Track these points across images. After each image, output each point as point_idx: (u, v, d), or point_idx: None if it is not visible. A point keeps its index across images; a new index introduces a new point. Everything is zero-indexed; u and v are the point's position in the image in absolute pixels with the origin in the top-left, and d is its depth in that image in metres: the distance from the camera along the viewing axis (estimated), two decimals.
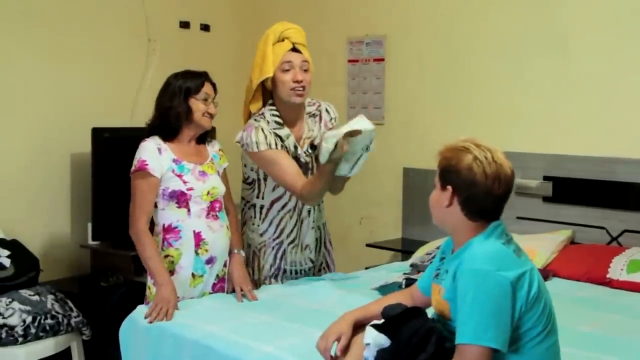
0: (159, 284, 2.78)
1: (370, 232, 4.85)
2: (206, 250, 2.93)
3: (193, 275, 2.93)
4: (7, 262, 3.64)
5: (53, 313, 3.46)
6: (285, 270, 3.21)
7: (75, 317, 3.55)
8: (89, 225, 4.24)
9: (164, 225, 2.92)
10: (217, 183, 3.00)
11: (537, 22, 4.07)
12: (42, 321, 3.39)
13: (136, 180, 2.88)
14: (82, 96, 4.40)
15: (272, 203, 3.13)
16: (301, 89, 2.99)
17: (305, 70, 3.01)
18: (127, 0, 4.64)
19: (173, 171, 2.89)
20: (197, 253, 2.92)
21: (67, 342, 3.54)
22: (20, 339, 3.31)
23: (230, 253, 3.05)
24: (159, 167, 2.87)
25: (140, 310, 2.78)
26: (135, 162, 2.89)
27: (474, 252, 1.87)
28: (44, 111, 4.23)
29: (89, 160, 4.19)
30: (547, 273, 3.44)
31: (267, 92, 3.09)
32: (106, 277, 4.12)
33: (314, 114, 3.17)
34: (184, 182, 2.90)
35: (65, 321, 3.49)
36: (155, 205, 2.92)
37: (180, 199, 2.89)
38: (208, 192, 2.95)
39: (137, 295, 3.17)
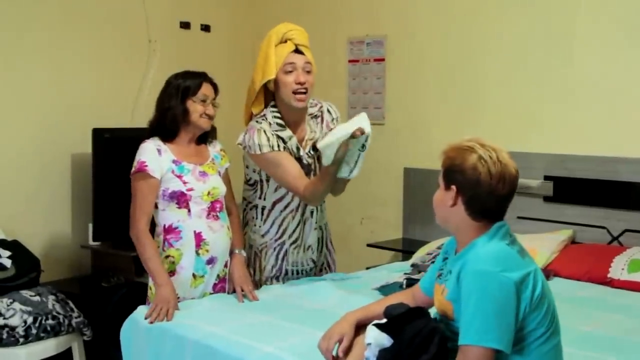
0: (159, 284, 2.79)
1: (371, 232, 4.85)
2: (207, 251, 2.93)
3: (194, 275, 2.93)
4: (8, 263, 3.64)
5: (54, 314, 3.46)
6: (286, 271, 3.21)
7: (76, 318, 3.55)
8: (90, 225, 4.24)
9: (164, 225, 2.92)
10: (218, 183, 3.00)
11: (538, 21, 4.07)
12: (43, 322, 3.39)
13: (136, 181, 2.88)
14: (82, 97, 4.40)
15: (274, 204, 3.13)
16: (304, 91, 2.98)
17: (308, 72, 3.01)
18: (127, 1, 4.64)
19: (173, 172, 2.89)
20: (197, 253, 2.92)
21: (68, 343, 3.54)
22: (21, 340, 3.32)
23: (231, 253, 3.05)
24: (159, 168, 2.87)
25: (141, 310, 2.78)
26: (135, 163, 2.89)
27: (478, 252, 1.87)
28: (44, 112, 4.24)
29: (90, 161, 4.19)
30: (548, 273, 3.43)
31: (269, 93, 3.08)
32: (107, 277, 4.13)
33: (315, 115, 3.17)
34: (184, 183, 2.90)
35: (66, 322, 3.49)
36: (156, 206, 2.92)
37: (181, 199, 2.89)
38: (208, 193, 2.95)
39: (138, 296, 3.17)
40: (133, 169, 2.89)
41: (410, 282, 3.02)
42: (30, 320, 3.35)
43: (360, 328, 2.11)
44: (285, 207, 3.13)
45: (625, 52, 3.77)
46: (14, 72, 4.11)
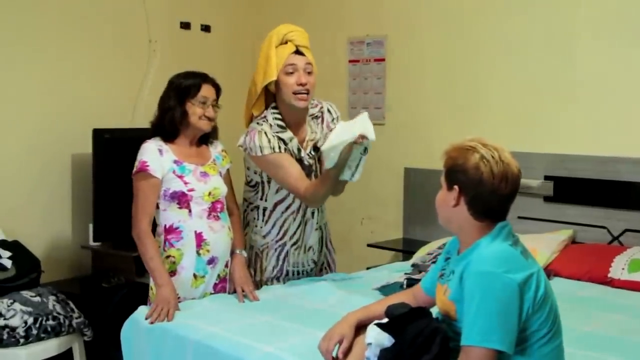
0: (159, 284, 2.79)
1: (371, 232, 4.86)
2: (208, 251, 2.93)
3: (195, 275, 2.93)
4: (8, 264, 3.64)
5: (54, 314, 3.46)
6: (287, 272, 3.21)
7: (76, 318, 3.55)
8: (90, 226, 4.24)
9: (165, 225, 2.92)
10: (219, 184, 3.00)
11: (539, 21, 4.07)
12: (44, 322, 3.39)
13: (138, 181, 2.88)
14: (82, 97, 4.40)
15: (276, 205, 3.13)
16: (305, 92, 2.98)
17: (309, 73, 3.00)
18: (127, 1, 4.64)
19: (174, 172, 2.89)
20: (198, 253, 2.92)
21: (68, 343, 3.54)
22: (21, 340, 3.31)
23: (232, 253, 3.05)
24: (160, 168, 2.87)
25: (142, 311, 2.78)
26: (136, 163, 2.89)
27: (482, 253, 1.87)
28: (44, 112, 4.23)
29: (90, 161, 4.19)
30: (548, 272, 3.43)
31: (270, 94, 3.08)
32: (107, 278, 4.12)
33: (316, 116, 3.17)
34: (185, 183, 2.90)
35: (67, 322, 3.49)
36: (157, 206, 2.92)
37: (182, 199, 2.90)
38: (209, 193, 2.95)
39: (139, 296, 3.17)
40: (134, 169, 2.89)
41: (411, 282, 3.02)
42: (30, 320, 3.35)
43: (360, 328, 2.11)
44: (287, 208, 3.13)
45: (625, 52, 3.77)
46: (14, 72, 4.11)
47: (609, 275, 3.38)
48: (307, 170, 3.07)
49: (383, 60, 4.79)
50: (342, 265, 3.66)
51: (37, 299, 3.46)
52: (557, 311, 1.93)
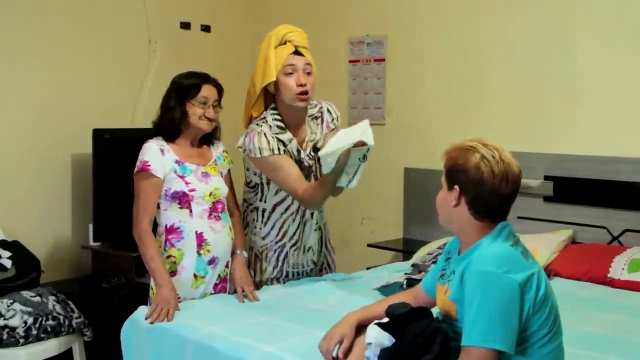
0: (159, 285, 2.79)
1: (371, 232, 4.86)
2: (208, 251, 2.93)
3: (195, 276, 2.93)
4: (8, 264, 3.64)
5: (54, 314, 3.46)
6: (287, 273, 3.20)
7: (76, 318, 3.55)
8: (90, 226, 4.24)
9: (166, 225, 2.92)
10: (220, 184, 3.00)
11: (539, 21, 4.07)
12: (44, 322, 3.39)
13: (139, 181, 2.88)
14: (82, 97, 4.40)
15: (275, 206, 3.13)
16: (305, 93, 2.98)
17: (309, 73, 3.00)
18: (127, 1, 4.65)
19: (175, 172, 2.90)
20: (199, 254, 2.92)
21: (68, 343, 3.54)
22: (21, 340, 3.31)
23: (233, 254, 3.05)
24: (162, 168, 2.88)
25: (142, 311, 2.78)
26: (138, 162, 2.89)
27: (483, 253, 1.87)
28: (44, 112, 4.24)
29: (90, 161, 4.19)
30: (548, 273, 3.43)
31: (269, 95, 3.07)
32: (107, 278, 4.12)
33: (316, 116, 3.16)
34: (186, 183, 2.90)
35: (67, 322, 3.49)
36: (158, 206, 2.92)
37: (182, 199, 2.90)
38: (210, 193, 2.95)
39: (139, 296, 3.17)
40: (136, 169, 2.89)
41: (411, 282, 3.02)
42: (30, 320, 3.35)
43: (361, 328, 2.11)
44: (286, 209, 3.13)
45: (625, 52, 3.78)
46: (14, 72, 4.11)
47: (609, 275, 3.38)
48: (307, 171, 3.07)
49: (383, 60, 4.79)
50: (342, 265, 3.66)
51: (37, 299, 3.46)
52: (558, 311, 1.93)
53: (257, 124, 3.02)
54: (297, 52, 3.00)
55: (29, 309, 3.38)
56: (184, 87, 2.93)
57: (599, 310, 2.96)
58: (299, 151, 3.06)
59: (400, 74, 4.71)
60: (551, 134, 4.05)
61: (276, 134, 3.00)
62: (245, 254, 3.10)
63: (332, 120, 3.19)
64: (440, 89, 4.52)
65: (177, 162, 2.91)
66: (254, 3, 5.40)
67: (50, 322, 3.42)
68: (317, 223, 3.21)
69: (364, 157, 2.76)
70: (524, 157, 3.89)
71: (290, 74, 2.97)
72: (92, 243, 4.28)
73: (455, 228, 1.99)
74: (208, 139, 3.05)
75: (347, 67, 4.98)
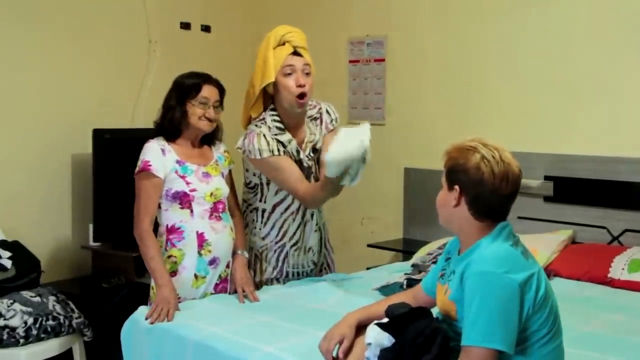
0: (159, 285, 2.79)
1: (371, 232, 4.85)
2: (209, 251, 2.93)
3: (196, 276, 2.93)
4: (8, 264, 3.64)
5: (54, 314, 3.46)
6: (287, 273, 3.20)
7: (76, 319, 3.55)
8: (90, 226, 4.24)
9: (167, 225, 2.92)
10: (221, 184, 3.00)
11: (538, 21, 4.07)
12: (44, 322, 3.39)
13: (140, 181, 2.88)
14: (83, 97, 4.40)
15: (275, 207, 3.13)
16: (304, 93, 2.97)
17: (307, 74, 2.99)
18: (127, 1, 4.64)
19: (176, 172, 2.90)
20: (200, 254, 2.92)
21: (68, 344, 3.54)
22: (21, 341, 3.32)
23: (233, 254, 3.05)
24: (163, 168, 2.88)
25: (142, 311, 2.78)
26: (139, 162, 2.89)
27: (483, 253, 1.88)
28: (45, 112, 4.23)
29: (90, 162, 4.19)
30: (548, 273, 3.43)
31: (268, 96, 3.07)
32: (107, 278, 4.12)
33: (315, 117, 3.16)
34: (187, 184, 2.90)
35: (67, 322, 3.49)
36: (159, 206, 2.92)
37: (183, 199, 2.90)
38: (211, 194, 2.95)
39: (139, 297, 3.17)
40: (137, 169, 2.89)
41: (411, 283, 3.02)
42: (30, 321, 3.35)
43: (361, 329, 2.11)
44: (286, 209, 3.13)
45: (625, 52, 3.77)
46: (13, 72, 4.10)
47: (609, 275, 3.38)
48: (306, 172, 3.07)
49: (383, 60, 4.79)
50: (342, 266, 3.66)
51: (37, 299, 3.46)
52: (557, 311, 1.93)
53: (256, 125, 3.02)
54: (295, 53, 3.00)
55: (29, 309, 3.38)
56: (185, 87, 2.93)
57: (599, 310, 2.96)
58: (298, 152, 3.06)
59: (400, 74, 4.71)
60: (551, 134, 4.05)
61: (275, 135, 3.00)
62: (246, 254, 3.10)
63: (331, 121, 3.19)
64: (440, 89, 4.52)
65: (178, 162, 2.91)
66: (254, 3, 5.40)
67: (51, 322, 3.42)
68: (317, 223, 3.21)
69: (363, 159, 2.75)
70: (524, 157, 3.89)
71: (289, 74, 2.97)
72: (92, 243, 4.28)
73: (456, 228, 1.99)
74: (209, 139, 3.05)
75: (347, 67, 4.98)
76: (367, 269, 3.99)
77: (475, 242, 1.93)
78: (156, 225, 2.94)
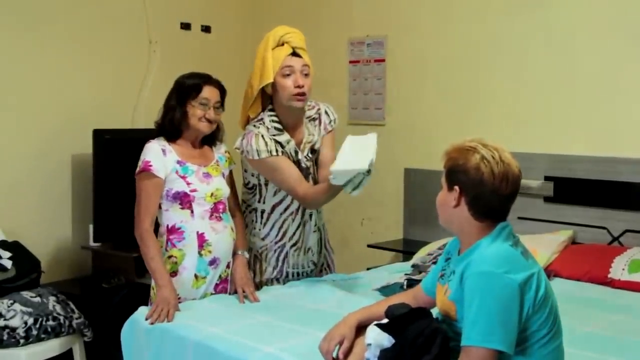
0: (159, 285, 2.79)
1: (371, 232, 4.85)
2: (209, 252, 2.93)
3: (196, 276, 2.93)
4: (8, 264, 3.64)
5: (55, 315, 3.46)
6: (287, 274, 3.20)
7: (76, 319, 3.55)
8: (91, 226, 4.24)
9: (167, 226, 2.92)
10: (221, 185, 3.00)
11: (539, 21, 4.07)
12: (44, 323, 3.39)
13: (141, 181, 2.88)
14: (83, 98, 4.40)
15: (274, 207, 3.12)
16: (302, 94, 2.97)
17: (306, 75, 2.99)
18: (128, 1, 4.65)
19: (177, 172, 2.90)
20: (200, 254, 2.92)
21: (68, 344, 3.54)
22: (21, 341, 3.32)
23: (234, 254, 3.05)
24: (163, 168, 2.88)
25: (142, 311, 2.78)
26: (140, 163, 2.89)
27: (483, 253, 1.88)
28: (45, 113, 4.24)
29: (90, 162, 4.20)
30: (548, 273, 3.43)
31: (266, 96, 3.07)
32: (108, 278, 4.12)
33: (313, 118, 3.16)
34: (188, 184, 2.90)
35: (67, 323, 3.49)
36: (160, 206, 2.92)
37: (184, 200, 2.90)
38: (212, 194, 2.95)
39: (139, 297, 3.17)
40: (138, 169, 2.89)
41: (411, 283, 3.02)
42: (30, 321, 3.35)
43: (361, 329, 2.12)
44: (285, 209, 3.13)
45: (625, 52, 3.77)
46: (14, 73, 4.11)
47: (609, 275, 3.38)
48: (305, 173, 3.07)
49: (383, 60, 4.79)
50: (342, 266, 3.66)
51: (37, 299, 3.47)
52: (557, 312, 1.93)
53: (255, 126, 3.02)
54: (294, 54, 2.99)
55: (30, 310, 3.38)
56: (185, 88, 2.93)
57: (599, 310, 2.96)
58: (296, 152, 3.06)
59: (401, 75, 4.71)
60: (551, 134, 4.05)
61: (274, 135, 3.00)
62: (246, 254, 3.10)
63: (330, 122, 3.19)
64: (440, 90, 4.52)
65: (178, 162, 2.91)
66: (254, 4, 5.40)
67: (51, 322, 3.42)
68: (315, 224, 3.21)
69: (369, 171, 2.75)
70: (524, 157, 3.90)
71: (288, 75, 2.96)
72: (92, 243, 4.28)
73: (456, 228, 1.99)
74: (210, 139, 3.05)
75: (348, 68, 4.98)
76: (367, 269, 3.99)
77: (475, 242, 1.93)
78: (157, 226, 2.94)
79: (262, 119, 3.04)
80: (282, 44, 3.00)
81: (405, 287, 3.02)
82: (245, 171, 3.14)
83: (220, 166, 3.04)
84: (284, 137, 3.02)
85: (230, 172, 3.12)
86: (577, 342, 2.39)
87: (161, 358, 2.65)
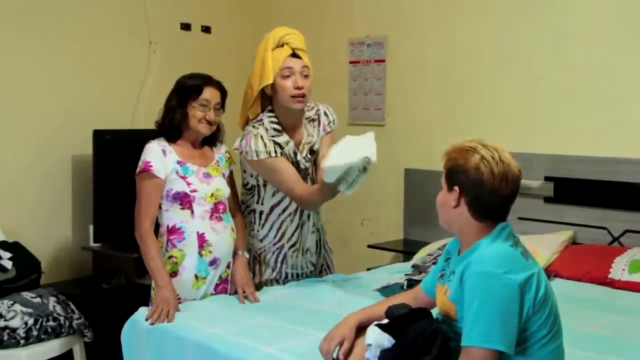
0: (159, 286, 2.79)
1: (371, 233, 4.85)
2: (210, 252, 2.93)
3: (196, 276, 2.93)
4: (8, 265, 3.64)
5: (55, 315, 3.46)
6: (286, 275, 3.20)
7: (77, 319, 3.55)
8: (91, 227, 4.25)
9: (168, 226, 2.92)
10: (222, 185, 3.00)
11: (538, 22, 4.07)
12: (44, 323, 3.39)
13: (141, 181, 2.88)
14: (83, 98, 4.40)
15: (272, 208, 3.12)
16: (302, 95, 2.97)
17: (306, 76, 2.99)
18: (128, 2, 4.65)
19: (177, 173, 2.90)
20: (200, 254, 2.92)
21: (69, 344, 3.54)
22: (22, 341, 3.32)
23: (234, 254, 3.05)
24: (163, 169, 2.88)
25: (142, 312, 2.78)
26: (140, 163, 2.89)
27: (482, 254, 1.88)
28: (45, 113, 4.24)
29: (91, 162, 4.20)
30: (548, 273, 3.43)
31: (265, 97, 3.07)
32: (108, 279, 4.12)
33: (312, 119, 3.16)
34: (188, 184, 2.90)
35: (67, 323, 3.49)
36: (160, 207, 2.92)
37: (184, 200, 2.90)
38: (212, 194, 2.95)
39: (139, 297, 3.17)
40: (138, 169, 2.89)
41: (411, 283, 3.02)
42: (31, 321, 3.35)
43: (361, 330, 2.12)
44: (284, 210, 3.12)
45: (625, 52, 3.77)
46: (14, 74, 4.11)
47: (610, 276, 3.38)
48: (303, 174, 3.07)
49: (383, 61, 4.79)
50: (342, 266, 3.66)
51: (38, 300, 3.47)
52: (558, 312, 1.93)
53: (254, 126, 3.02)
54: (294, 55, 2.99)
55: (30, 310, 3.38)
56: (186, 89, 2.93)
57: (599, 311, 2.96)
58: (295, 153, 3.06)
59: (401, 75, 4.71)
60: (551, 134, 4.05)
61: (273, 136, 2.99)
62: (246, 255, 3.10)
63: (329, 123, 3.19)
64: (440, 90, 4.52)
65: (178, 162, 2.91)
66: (254, 4, 5.40)
67: (51, 323, 3.42)
68: (314, 225, 3.21)
69: (365, 169, 2.75)
70: (525, 157, 3.90)
71: (288, 76, 2.96)
72: (92, 244, 4.28)
73: (456, 229, 1.99)
74: (211, 140, 3.05)
75: (348, 68, 4.98)
76: (368, 269, 3.99)
77: (475, 242, 1.93)
78: (157, 226, 2.94)
79: (261, 119, 3.04)
80: (282, 45, 3.00)
81: (405, 287, 3.02)
82: (244, 172, 3.14)
83: (220, 166, 3.04)
84: (283, 138, 3.02)
85: (231, 172, 3.12)
86: (577, 343, 2.39)
87: (161, 358, 2.65)
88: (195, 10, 5.06)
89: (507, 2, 4.20)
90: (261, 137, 2.96)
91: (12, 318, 3.32)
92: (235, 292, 2.98)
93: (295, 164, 3.04)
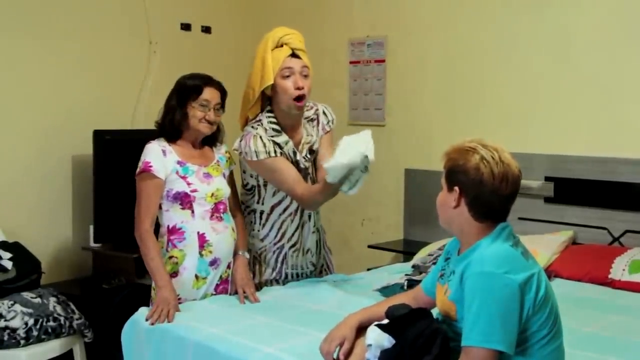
0: (159, 286, 2.79)
1: (372, 233, 4.85)
2: (210, 252, 2.93)
3: (196, 276, 2.93)
4: (9, 265, 3.64)
5: (55, 315, 3.46)
6: (286, 275, 3.20)
7: (77, 320, 3.55)
8: (91, 227, 4.25)
9: (168, 226, 2.92)
10: (222, 185, 3.00)
11: (538, 22, 4.07)
12: (44, 323, 3.39)
13: (141, 181, 2.88)
14: (83, 98, 4.40)
15: (273, 208, 3.12)
16: (302, 96, 2.97)
17: (306, 76, 2.99)
18: (128, 2, 4.65)
19: (177, 173, 2.90)
20: (201, 255, 2.92)
21: (69, 345, 3.54)
22: (22, 342, 3.32)
23: (234, 255, 3.05)
24: (163, 169, 2.88)
25: (142, 312, 2.78)
26: (140, 163, 2.89)
27: (483, 254, 1.88)
28: (45, 113, 4.24)
29: (91, 163, 4.20)
30: (549, 274, 3.43)
31: (265, 97, 3.06)
32: (108, 279, 4.13)
33: (312, 119, 3.16)
34: (188, 184, 2.90)
35: (67, 323, 3.49)
36: (160, 207, 2.92)
37: (184, 200, 2.90)
38: (212, 194, 2.95)
39: (139, 297, 3.17)
40: (138, 169, 2.89)
41: (411, 283, 3.02)
42: (31, 322, 3.35)
43: (361, 330, 2.12)
44: (284, 210, 3.12)
45: (625, 52, 3.78)
46: (14, 74, 4.11)
47: (610, 276, 3.38)
48: (303, 174, 3.06)
49: (383, 61, 4.79)
50: (343, 267, 3.66)
51: (38, 300, 3.47)
52: (558, 312, 1.93)
53: (253, 127, 3.02)
54: (294, 55, 2.99)
55: (30, 310, 3.38)
56: (186, 89, 2.93)
57: (599, 311, 2.96)
58: (294, 153, 3.06)
59: (401, 75, 4.71)
60: (551, 134, 4.05)
61: (272, 136, 2.99)
62: (247, 255, 3.10)
63: (328, 122, 3.19)
64: (440, 90, 4.52)
65: (178, 162, 2.91)
66: (254, 4, 5.40)
67: (51, 323, 3.42)
68: (314, 225, 3.21)
69: (366, 168, 2.75)
70: (525, 157, 3.90)
71: (288, 76, 2.96)
72: (92, 244, 4.28)
73: (456, 229, 1.99)
74: (211, 140, 3.05)
75: (348, 68, 4.98)
76: (368, 269, 3.99)
77: (475, 242, 1.93)
78: (157, 226, 2.94)
79: (260, 120, 3.03)
80: (282, 45, 3.00)
81: (405, 287, 3.02)
82: (244, 172, 3.14)
83: (220, 166, 3.04)
84: (282, 138, 3.02)
85: (231, 172, 3.12)
86: (577, 343, 2.40)
87: (161, 358, 2.65)
88: (195, 10, 5.06)
89: (507, 3, 4.20)
90: (260, 137, 2.96)
91: (12, 318, 3.32)
92: (236, 292, 2.98)
93: (295, 164, 3.04)
